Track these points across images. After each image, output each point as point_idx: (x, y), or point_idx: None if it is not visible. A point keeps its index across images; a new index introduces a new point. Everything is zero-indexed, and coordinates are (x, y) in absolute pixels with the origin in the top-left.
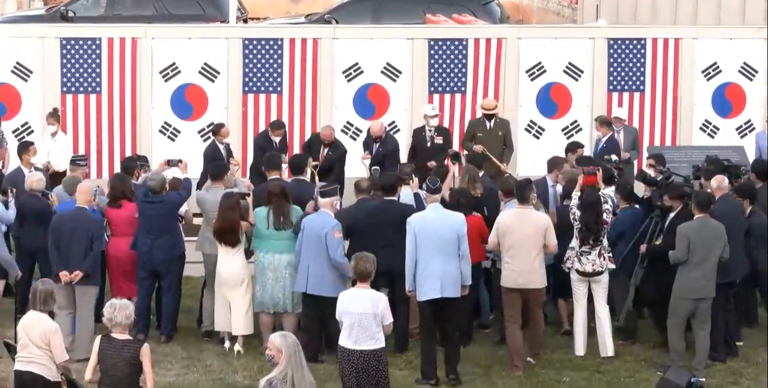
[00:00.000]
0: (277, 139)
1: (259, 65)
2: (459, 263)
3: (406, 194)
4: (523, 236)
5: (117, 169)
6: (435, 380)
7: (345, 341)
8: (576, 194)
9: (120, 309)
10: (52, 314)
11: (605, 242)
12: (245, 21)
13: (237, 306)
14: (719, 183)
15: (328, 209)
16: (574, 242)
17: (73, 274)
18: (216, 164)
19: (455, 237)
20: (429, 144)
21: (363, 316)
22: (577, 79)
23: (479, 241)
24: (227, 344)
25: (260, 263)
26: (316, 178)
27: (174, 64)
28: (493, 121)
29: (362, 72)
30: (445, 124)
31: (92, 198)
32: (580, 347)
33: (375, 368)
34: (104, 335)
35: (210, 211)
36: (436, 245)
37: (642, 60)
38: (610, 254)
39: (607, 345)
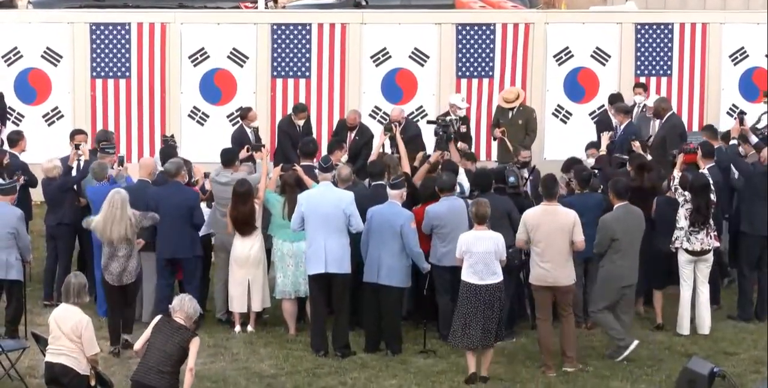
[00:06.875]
0: (300, 123)
1: (287, 50)
2: (346, 240)
3: None
4: (550, 232)
5: (146, 153)
6: (323, 351)
7: (471, 277)
8: (677, 174)
9: (190, 301)
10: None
11: (711, 221)
12: (275, 1)
13: (256, 284)
14: None
15: (396, 201)
16: (683, 222)
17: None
18: (224, 150)
19: (341, 214)
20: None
21: (486, 255)
22: (604, 64)
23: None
24: (238, 327)
25: (279, 250)
26: None
27: (203, 49)
28: (515, 109)
29: (390, 57)
30: (473, 110)
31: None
32: (685, 327)
33: (499, 299)
34: (167, 315)
35: (221, 197)
36: (320, 222)
37: (669, 45)
38: (716, 233)
39: (705, 324)
